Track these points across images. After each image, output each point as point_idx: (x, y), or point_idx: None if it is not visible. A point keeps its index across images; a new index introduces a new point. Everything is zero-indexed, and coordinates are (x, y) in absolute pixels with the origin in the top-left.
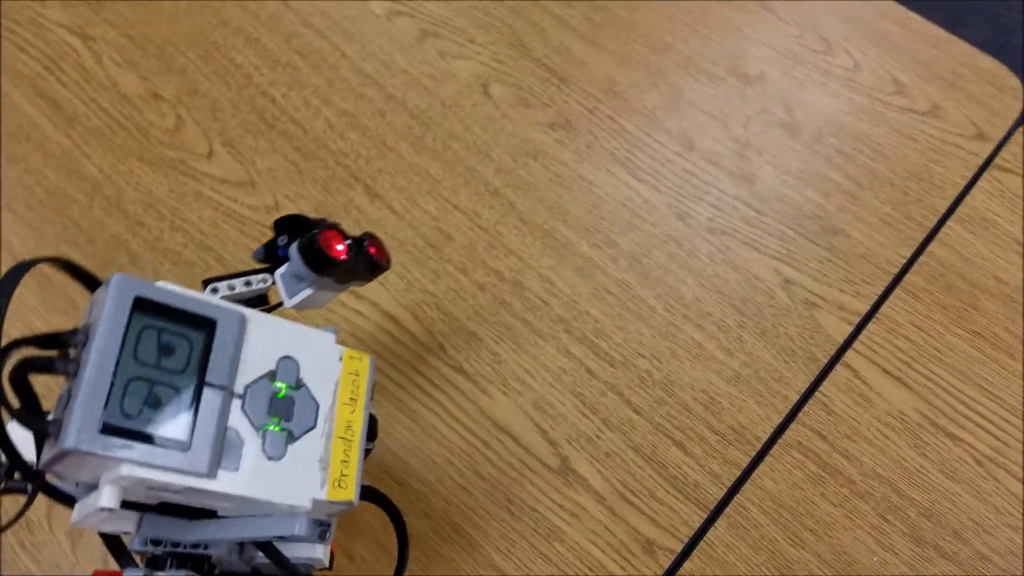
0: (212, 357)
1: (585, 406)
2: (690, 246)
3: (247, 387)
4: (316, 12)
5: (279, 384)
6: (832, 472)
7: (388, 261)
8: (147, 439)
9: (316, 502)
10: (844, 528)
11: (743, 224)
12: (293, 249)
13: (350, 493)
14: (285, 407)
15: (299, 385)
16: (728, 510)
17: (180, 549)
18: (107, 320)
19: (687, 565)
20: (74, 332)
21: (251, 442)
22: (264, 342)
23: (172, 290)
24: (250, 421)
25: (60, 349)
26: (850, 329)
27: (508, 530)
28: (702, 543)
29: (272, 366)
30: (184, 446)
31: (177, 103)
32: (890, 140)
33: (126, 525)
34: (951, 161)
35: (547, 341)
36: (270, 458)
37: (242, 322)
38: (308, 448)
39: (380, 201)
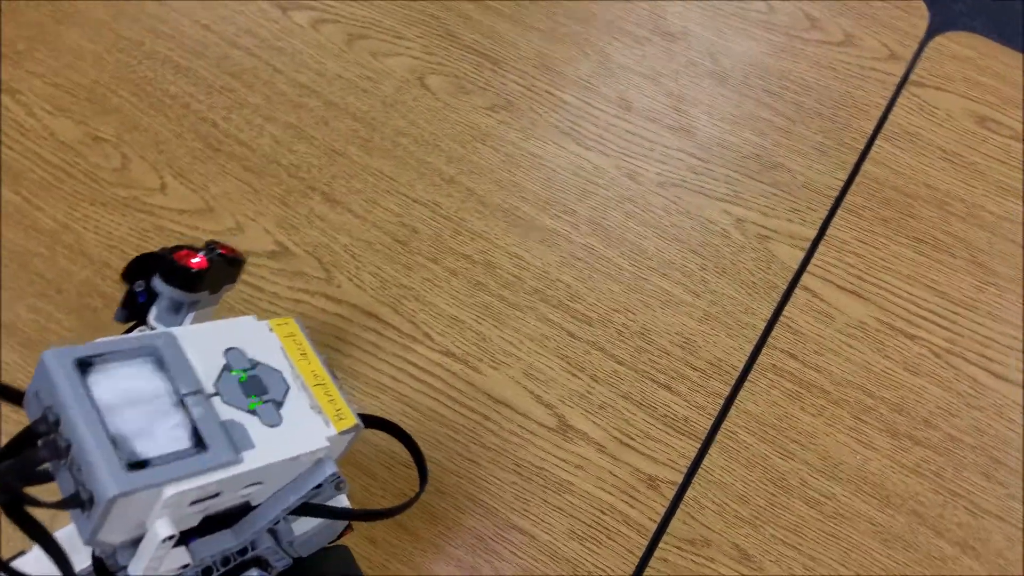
0: (173, 374)
1: (572, 366)
2: (644, 202)
3: (215, 384)
4: (241, 32)
5: (236, 371)
6: (807, 386)
7: (241, 254)
8: (168, 459)
9: (331, 438)
10: (825, 435)
11: (690, 174)
12: (158, 282)
13: (351, 418)
14: (256, 385)
15: (254, 364)
16: (718, 437)
17: (231, 566)
18: (66, 390)
19: (689, 493)
20: (39, 423)
21: (249, 422)
22: (202, 347)
23: (104, 341)
24: (237, 407)
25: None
26: (802, 255)
27: (520, 492)
28: (700, 471)
29: (223, 360)
30: (202, 448)
31: (119, 142)
32: (812, 73)
33: (183, 557)
34: (871, 84)
35: (526, 313)
36: (272, 426)
37: (175, 339)
38: (296, 405)
39: (340, 207)
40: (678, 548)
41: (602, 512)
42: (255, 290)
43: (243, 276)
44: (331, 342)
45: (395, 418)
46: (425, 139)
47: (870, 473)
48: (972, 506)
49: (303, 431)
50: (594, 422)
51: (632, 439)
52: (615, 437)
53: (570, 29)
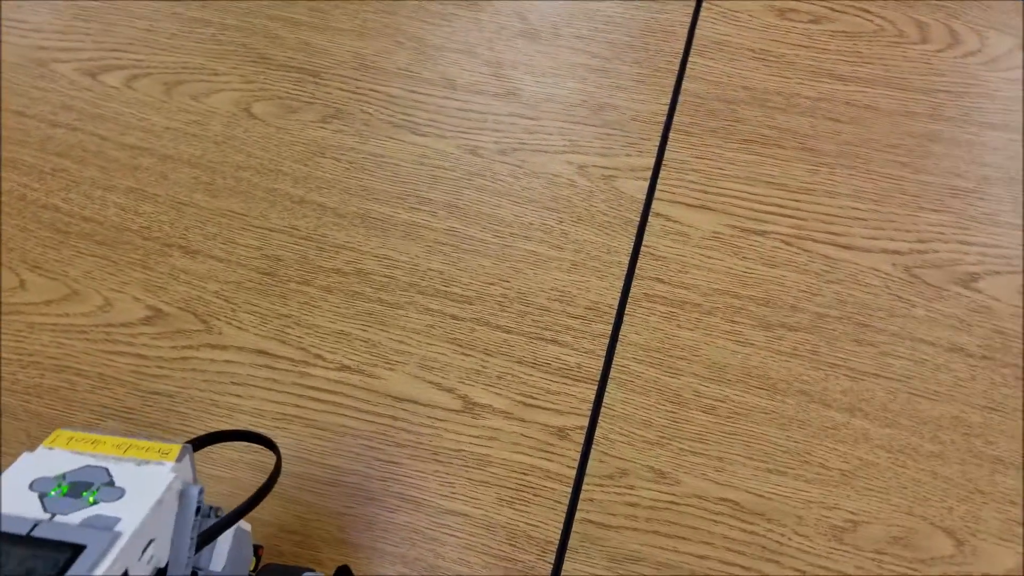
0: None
1: (462, 347)
2: (491, 173)
3: (45, 512)
4: (57, 110)
5: (53, 491)
6: (679, 305)
7: None
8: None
9: (173, 469)
10: (706, 344)
11: (526, 135)
12: None
13: (175, 446)
14: (78, 486)
15: (62, 476)
16: (611, 374)
17: None
18: None
19: (598, 433)
20: None
21: (100, 509)
22: (9, 498)
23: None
24: (80, 509)
25: None
26: (647, 184)
27: (444, 477)
28: (602, 410)
29: (34, 494)
30: (81, 549)
31: None
32: (615, 8)
33: None
34: (671, 6)
35: (406, 309)
36: (120, 497)
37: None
38: (125, 472)
39: (201, 255)
40: (600, 486)
41: (523, 474)
42: (140, 359)
43: (125, 349)
44: (228, 389)
45: (306, 443)
46: (266, 167)
47: (753, 368)
48: (851, 372)
49: (148, 481)
50: (496, 393)
51: (534, 399)
52: (519, 401)
53: (378, 23)
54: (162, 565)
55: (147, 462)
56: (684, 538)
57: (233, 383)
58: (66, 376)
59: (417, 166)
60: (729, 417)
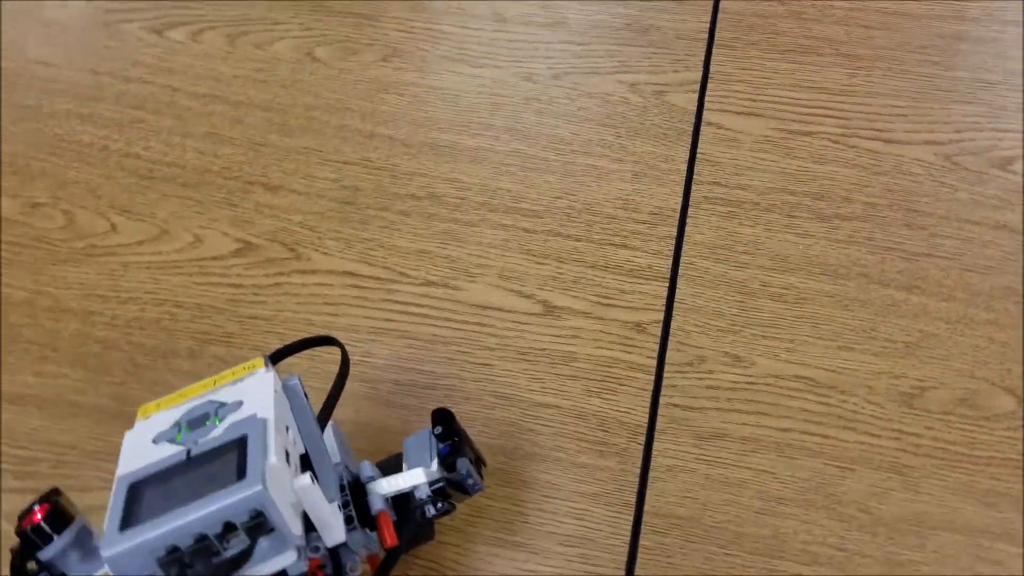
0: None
1: (537, 256)
2: (547, 97)
3: (185, 444)
4: (128, 66)
5: (179, 436)
6: (738, 204)
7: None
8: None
9: (265, 365)
10: (767, 238)
11: (576, 60)
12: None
13: (257, 360)
14: (195, 421)
15: (177, 427)
16: (680, 271)
17: None
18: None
19: (674, 325)
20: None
21: (227, 421)
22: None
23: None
24: (209, 432)
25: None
26: (696, 97)
27: (533, 374)
28: (676, 304)
29: (162, 442)
30: (239, 445)
31: (56, 201)
32: None
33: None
34: None
35: (481, 226)
36: (240, 404)
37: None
38: (229, 395)
39: (282, 190)
40: (680, 373)
41: (608, 367)
42: (235, 288)
43: (219, 280)
44: (322, 309)
45: (401, 352)
46: (334, 106)
47: (814, 256)
48: (905, 253)
49: (254, 387)
50: (573, 296)
51: (610, 298)
52: (596, 302)
53: None
54: (303, 451)
55: (241, 379)
56: (764, 414)
57: (326, 303)
58: (165, 308)
59: (476, 95)
60: (796, 302)
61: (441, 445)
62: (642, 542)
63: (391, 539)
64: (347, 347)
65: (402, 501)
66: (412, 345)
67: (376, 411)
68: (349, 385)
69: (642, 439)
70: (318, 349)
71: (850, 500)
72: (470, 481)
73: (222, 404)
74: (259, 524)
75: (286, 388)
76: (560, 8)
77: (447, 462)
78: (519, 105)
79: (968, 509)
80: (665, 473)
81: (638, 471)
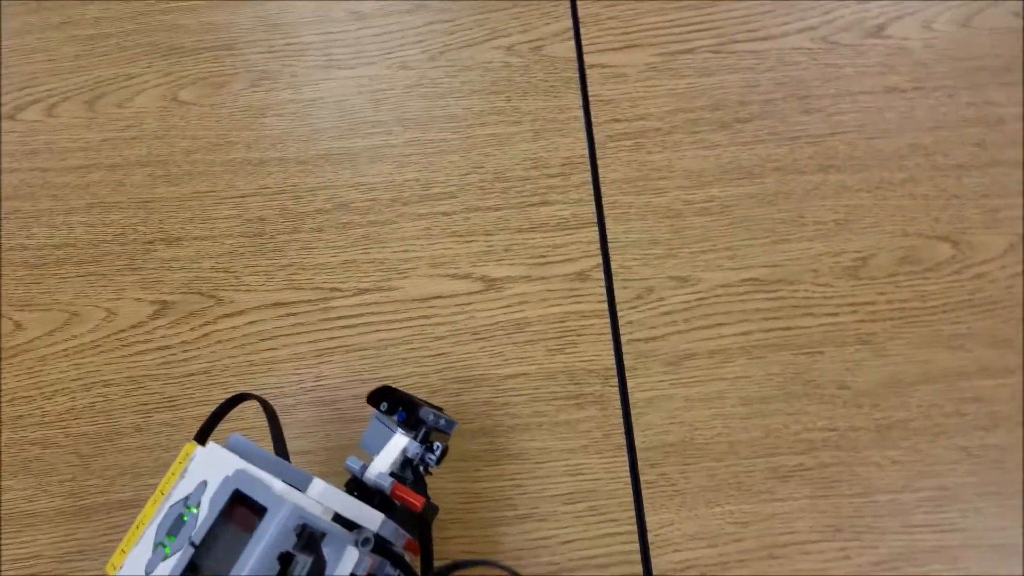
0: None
1: (462, 236)
2: (429, 80)
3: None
4: None
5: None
6: (641, 135)
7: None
8: None
9: (200, 452)
10: (677, 160)
11: (447, 36)
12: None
13: (187, 447)
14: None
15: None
16: (606, 212)
17: None
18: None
19: (614, 265)
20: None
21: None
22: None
23: None
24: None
25: None
26: (572, 43)
27: (491, 351)
28: (610, 244)
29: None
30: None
31: None
32: None
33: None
34: None
35: (398, 222)
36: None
37: None
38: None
39: (185, 240)
40: (633, 308)
41: (561, 322)
42: (163, 351)
43: (145, 347)
44: (259, 347)
45: (352, 364)
46: (215, 144)
47: (727, 164)
48: (811, 138)
49: (204, 464)
50: (509, 264)
51: (546, 256)
52: (532, 264)
53: None
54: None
55: (185, 469)
56: (723, 324)
57: (262, 340)
58: (96, 391)
59: (357, 96)
60: (722, 212)
61: (395, 416)
62: (643, 478)
63: (417, 500)
64: (295, 375)
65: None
66: (363, 356)
67: (346, 430)
68: (311, 412)
69: (615, 381)
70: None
71: (827, 381)
72: (442, 422)
73: (186, 497)
74: (310, 536)
75: (232, 449)
76: None
77: (411, 423)
78: (402, 95)
79: (938, 358)
80: (646, 407)
81: (620, 412)
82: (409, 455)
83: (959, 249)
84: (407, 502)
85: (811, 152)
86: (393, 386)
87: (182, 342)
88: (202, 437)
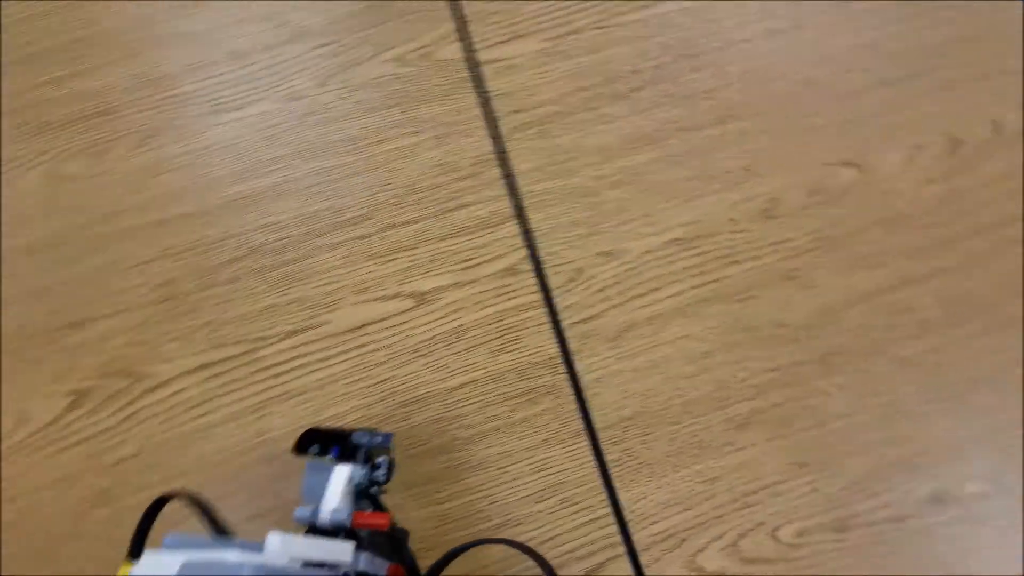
0: None
1: (383, 256)
2: (321, 106)
3: None
4: None
5: None
6: (544, 121)
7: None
8: None
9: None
10: (582, 139)
11: (332, 59)
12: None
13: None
14: None
15: None
16: (523, 204)
17: None
18: None
19: (542, 255)
20: None
21: None
22: None
23: None
24: None
25: None
26: (459, 44)
27: (434, 366)
28: (533, 234)
29: None
30: None
31: None
32: None
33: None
34: None
35: (315, 255)
36: None
37: None
38: None
39: (91, 321)
40: (567, 291)
41: (499, 321)
42: (88, 442)
43: (67, 442)
44: (191, 415)
45: (294, 411)
46: (109, 214)
47: (629, 133)
48: (704, 94)
49: (151, 568)
50: (436, 275)
51: (471, 259)
52: (460, 269)
53: (136, 40)
54: None
55: None
56: (655, 289)
57: (192, 407)
58: (22, 501)
59: (251, 136)
60: (634, 181)
61: (330, 455)
62: (607, 458)
63: (381, 518)
64: (234, 437)
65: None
66: (303, 400)
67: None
68: (258, 472)
69: (562, 368)
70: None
71: (763, 323)
72: (378, 439)
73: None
74: None
75: (171, 548)
76: (292, 20)
77: (348, 453)
78: (297, 126)
79: (861, 279)
80: (597, 386)
81: (573, 398)
82: (356, 481)
83: (862, 172)
84: (371, 525)
85: (707, 107)
86: (314, 427)
87: (106, 429)
88: (136, 551)
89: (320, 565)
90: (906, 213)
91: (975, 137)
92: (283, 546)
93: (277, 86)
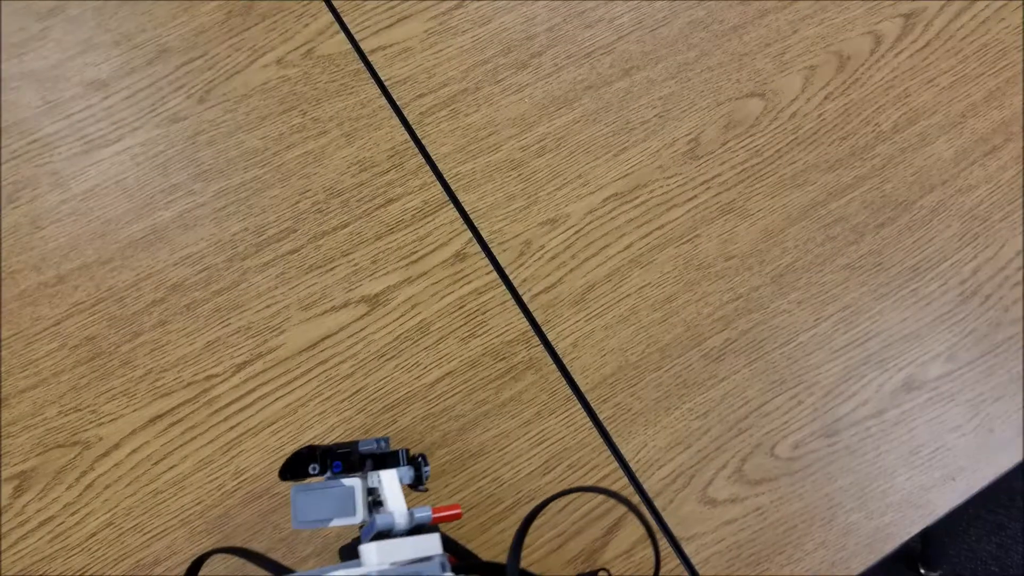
0: None
1: (321, 266)
2: (208, 123)
3: None
4: None
5: None
6: (451, 101)
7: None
8: None
9: None
10: (495, 112)
11: (207, 72)
12: None
13: None
14: None
15: None
16: (453, 187)
17: None
18: None
19: (484, 232)
20: None
21: None
22: None
23: None
24: None
25: None
26: (342, 35)
27: (406, 365)
28: (471, 216)
29: None
30: None
31: None
32: None
33: None
34: None
35: (245, 279)
36: None
37: None
38: None
39: (13, 398)
40: (520, 265)
41: (460, 308)
42: (47, 523)
43: (24, 529)
44: (155, 472)
45: (266, 443)
46: None
47: (540, 99)
48: (602, 49)
49: None
50: (384, 274)
51: (416, 252)
52: (406, 265)
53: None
54: None
55: None
56: (605, 247)
57: (154, 464)
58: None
59: (138, 168)
60: (557, 145)
61: (330, 471)
62: (601, 416)
63: (453, 508)
64: (211, 483)
65: None
66: (275, 430)
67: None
68: (248, 512)
69: (536, 340)
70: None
71: (714, 258)
72: (382, 443)
73: None
74: None
75: None
76: (145, 41)
77: (352, 465)
78: (187, 149)
79: (791, 199)
80: (574, 350)
81: (554, 367)
82: (406, 482)
83: (766, 99)
84: (449, 518)
85: (609, 61)
86: (304, 447)
87: (65, 506)
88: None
89: (414, 562)
90: (815, 130)
91: (859, 51)
92: (381, 554)
93: (153, 110)
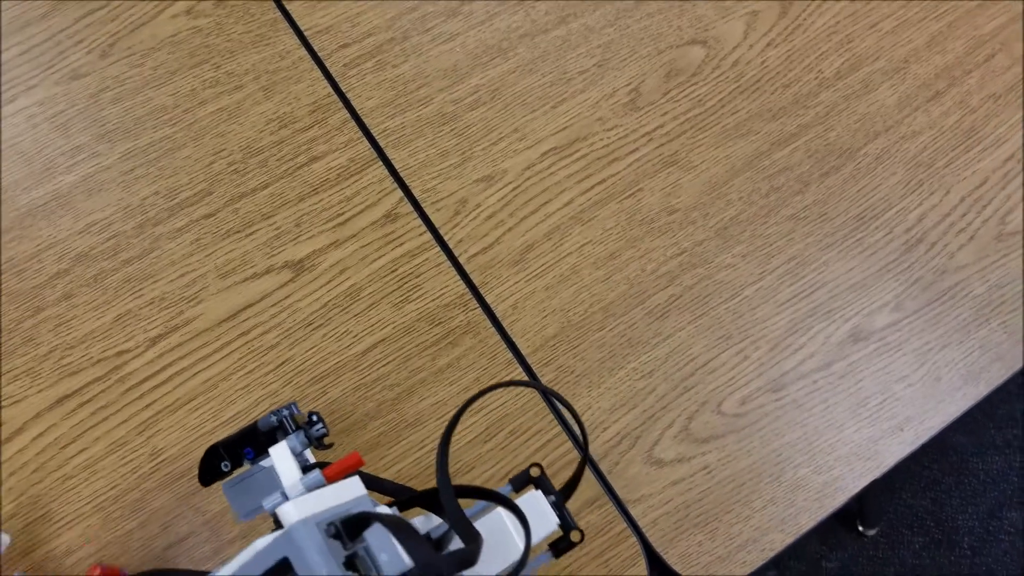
0: None
1: (242, 231)
2: (112, 79)
3: None
4: None
5: None
6: (376, 51)
7: None
8: None
9: None
10: (424, 63)
11: (109, 24)
12: None
13: None
14: None
15: None
16: (381, 143)
17: None
18: None
19: (415, 191)
20: None
21: None
22: None
23: None
24: None
25: None
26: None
27: (336, 332)
28: (402, 173)
29: None
30: None
31: None
32: None
33: None
34: None
35: (157, 247)
36: None
37: None
38: None
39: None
40: (455, 225)
41: (393, 271)
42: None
43: None
44: (64, 455)
45: (185, 421)
46: None
47: (472, 49)
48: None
49: None
50: (309, 238)
51: (343, 213)
52: (334, 227)
53: None
54: None
55: None
56: (544, 203)
57: (63, 448)
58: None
59: (36, 131)
60: (492, 98)
61: (244, 463)
62: (545, 380)
63: (350, 458)
64: (126, 466)
65: None
66: (195, 407)
67: (214, 493)
68: (166, 496)
69: (474, 303)
70: None
71: (657, 212)
72: (284, 412)
73: None
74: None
75: None
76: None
77: (263, 444)
78: (90, 107)
79: (735, 149)
80: (514, 312)
81: (493, 331)
82: (298, 450)
83: (708, 47)
84: (346, 467)
85: (545, 8)
86: (211, 446)
87: None
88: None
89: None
90: (758, 78)
91: None
92: (298, 510)
93: (50, 67)
